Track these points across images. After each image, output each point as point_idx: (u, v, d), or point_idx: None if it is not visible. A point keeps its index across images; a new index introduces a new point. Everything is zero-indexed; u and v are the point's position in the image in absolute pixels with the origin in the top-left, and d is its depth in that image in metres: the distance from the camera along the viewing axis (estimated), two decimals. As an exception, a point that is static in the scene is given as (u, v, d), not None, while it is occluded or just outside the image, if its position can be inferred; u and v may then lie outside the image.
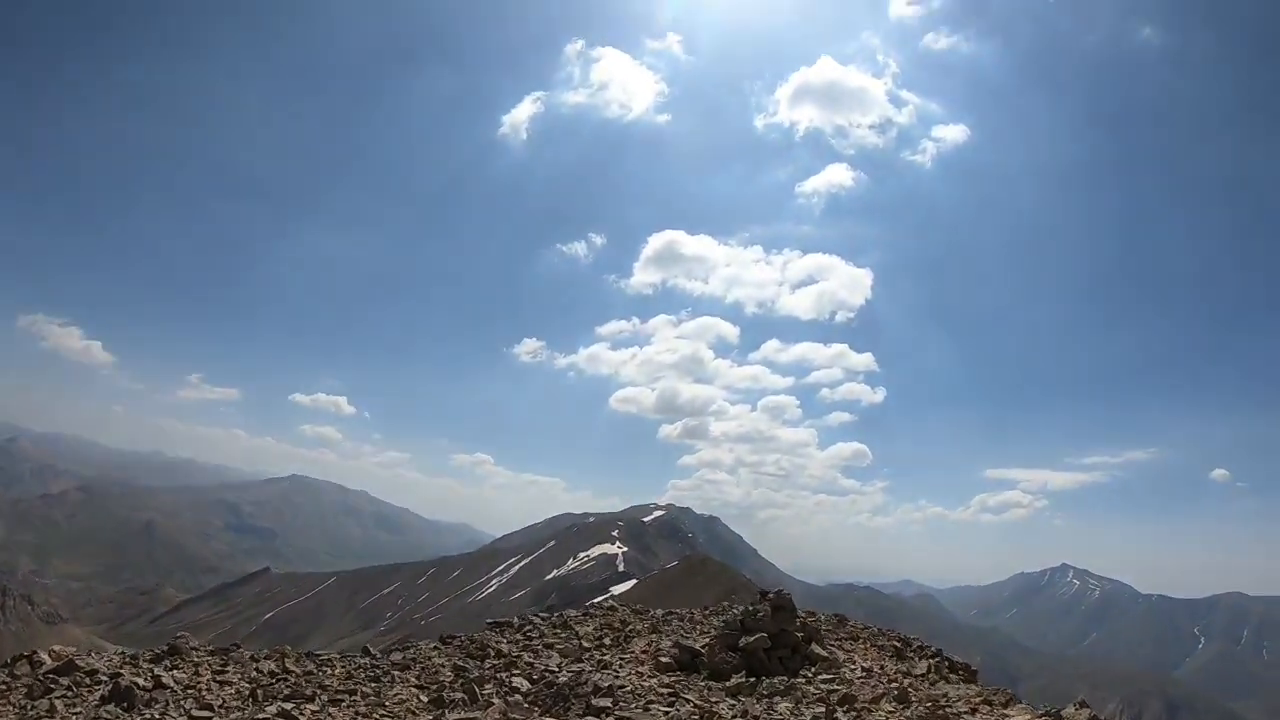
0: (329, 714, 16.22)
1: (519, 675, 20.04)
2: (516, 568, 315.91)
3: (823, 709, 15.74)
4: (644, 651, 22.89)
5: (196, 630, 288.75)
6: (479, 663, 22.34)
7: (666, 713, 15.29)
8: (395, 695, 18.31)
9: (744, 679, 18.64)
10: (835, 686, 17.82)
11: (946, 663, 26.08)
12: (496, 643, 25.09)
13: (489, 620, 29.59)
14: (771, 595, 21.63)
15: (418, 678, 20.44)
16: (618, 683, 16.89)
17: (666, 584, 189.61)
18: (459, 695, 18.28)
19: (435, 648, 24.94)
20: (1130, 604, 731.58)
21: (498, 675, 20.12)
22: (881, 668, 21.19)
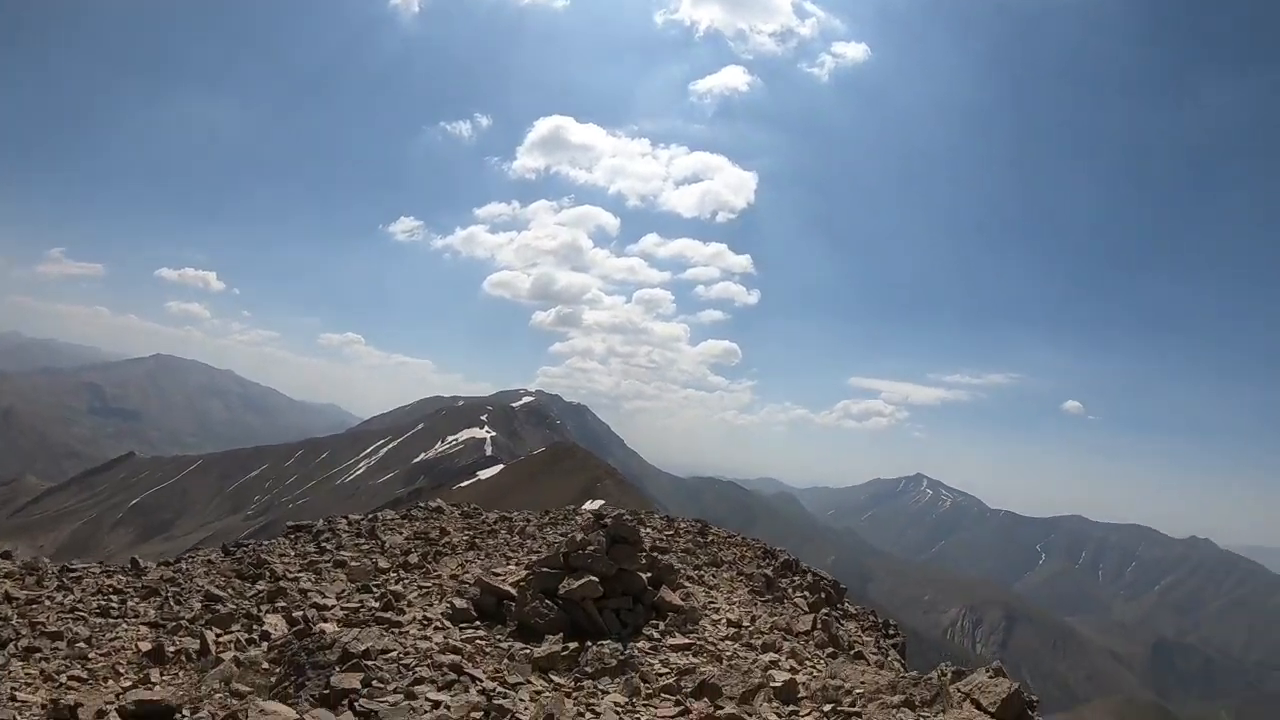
0: (8, 671, 11.75)
1: (279, 612, 15.00)
2: (385, 450, 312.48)
3: (672, 707, 11.09)
4: (451, 577, 17.80)
5: (59, 520, 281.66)
6: (250, 584, 17.74)
7: (435, 706, 10.11)
8: (112, 640, 13.64)
9: (561, 644, 12.89)
10: (691, 660, 12.97)
11: (831, 606, 22.09)
12: (280, 557, 19.99)
13: (290, 523, 24.68)
14: (609, 519, 15.36)
15: (159, 609, 15.66)
16: (380, 645, 11.57)
17: (532, 470, 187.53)
18: (189, 642, 13.44)
19: (209, 562, 19.85)
20: (979, 518, 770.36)
21: (253, 612, 15.07)
22: (753, 619, 16.37)
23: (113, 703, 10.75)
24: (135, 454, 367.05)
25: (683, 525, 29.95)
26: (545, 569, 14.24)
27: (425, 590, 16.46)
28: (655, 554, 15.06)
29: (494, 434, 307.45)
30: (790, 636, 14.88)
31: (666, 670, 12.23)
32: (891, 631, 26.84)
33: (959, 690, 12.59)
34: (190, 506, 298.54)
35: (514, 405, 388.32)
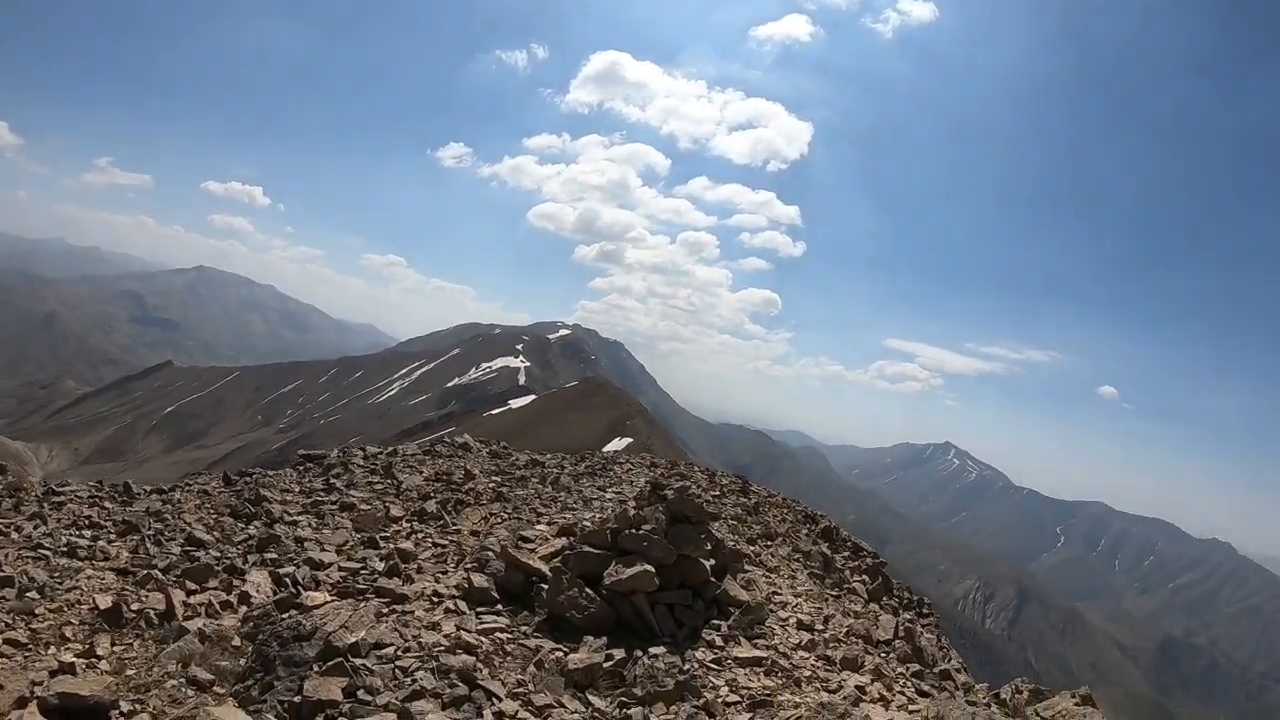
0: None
1: (267, 567, 12.65)
2: (419, 373, 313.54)
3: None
4: (472, 534, 15.29)
5: (94, 425, 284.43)
6: (243, 525, 15.42)
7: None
8: (70, 591, 11.31)
9: (603, 651, 9.74)
10: (765, 684, 9.73)
11: (889, 594, 19.71)
12: (283, 493, 17.72)
13: (300, 452, 22.50)
14: (670, 490, 12.16)
15: (133, 552, 13.27)
16: (373, 637, 8.93)
17: (564, 402, 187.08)
18: (155, 599, 11.11)
19: (204, 493, 17.71)
20: (1002, 492, 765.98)
21: (237, 565, 12.77)
22: (825, 620, 13.51)
23: (38, 686, 8.37)
24: (173, 363, 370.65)
25: (725, 482, 27.45)
26: (588, 547, 11.25)
27: (440, 551, 13.86)
28: (718, 537, 12.26)
29: (528, 364, 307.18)
30: (871, 648, 12.23)
31: (737, 699, 9.10)
32: (925, 611, 25.13)
33: (1039, 715, 10.84)
34: (224, 417, 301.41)
35: (550, 337, 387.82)
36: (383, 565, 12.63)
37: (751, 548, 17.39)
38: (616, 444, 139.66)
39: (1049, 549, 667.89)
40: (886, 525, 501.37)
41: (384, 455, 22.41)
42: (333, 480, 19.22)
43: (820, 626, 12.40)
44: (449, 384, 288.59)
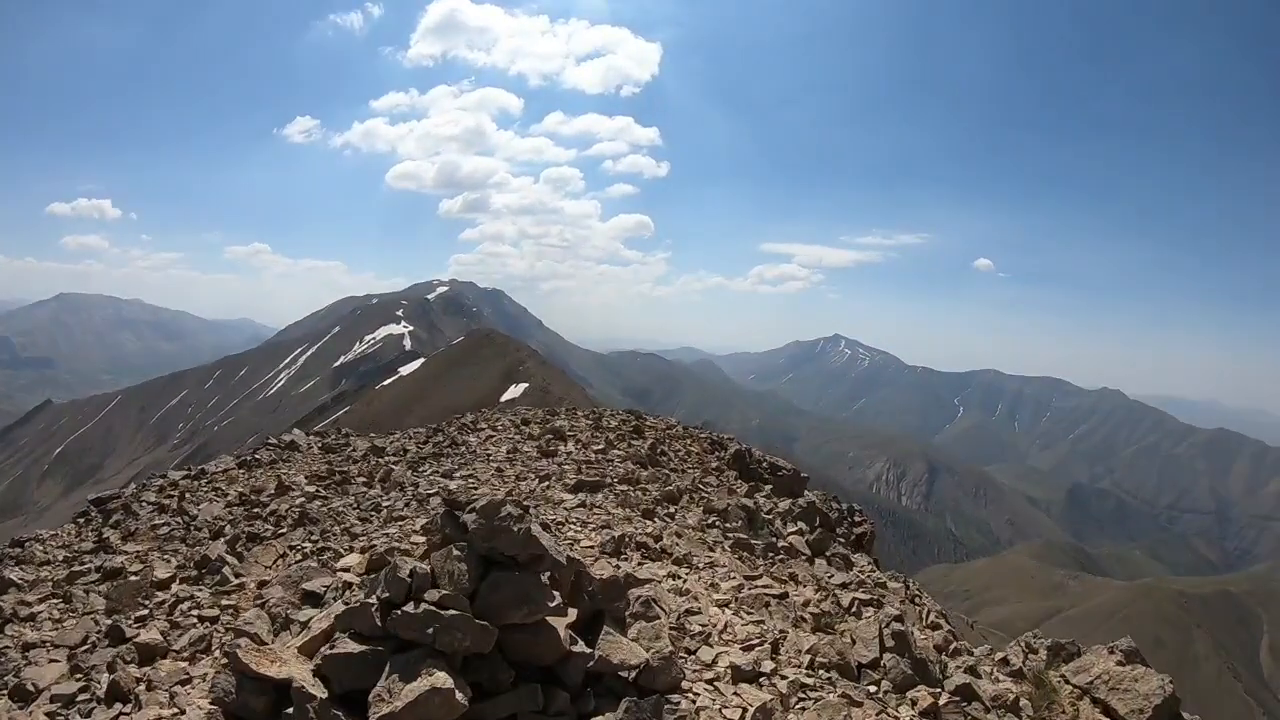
0: None
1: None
2: (304, 358, 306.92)
3: None
4: (259, 587, 10.66)
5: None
6: None
7: None
8: None
9: None
10: None
11: (828, 529, 15.96)
12: (40, 567, 13.59)
13: (90, 497, 17.92)
14: (474, 520, 6.66)
15: None
16: None
17: (453, 360, 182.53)
18: None
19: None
20: (897, 374, 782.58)
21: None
22: (775, 643, 8.72)
23: None
24: (52, 401, 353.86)
25: (614, 424, 23.17)
26: (354, 636, 6.29)
27: (203, 634, 9.41)
28: (575, 564, 7.38)
29: (412, 328, 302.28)
30: (854, 685, 7.77)
31: None
32: (857, 519, 21.01)
33: (1068, 682, 8.09)
34: (116, 445, 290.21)
35: (429, 297, 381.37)
36: (107, 685, 8.15)
37: (649, 526, 12.86)
38: (513, 391, 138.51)
39: (950, 420, 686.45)
40: (790, 423, 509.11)
41: (185, 480, 17.69)
42: (106, 533, 14.58)
43: (769, 664, 7.93)
44: (336, 363, 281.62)
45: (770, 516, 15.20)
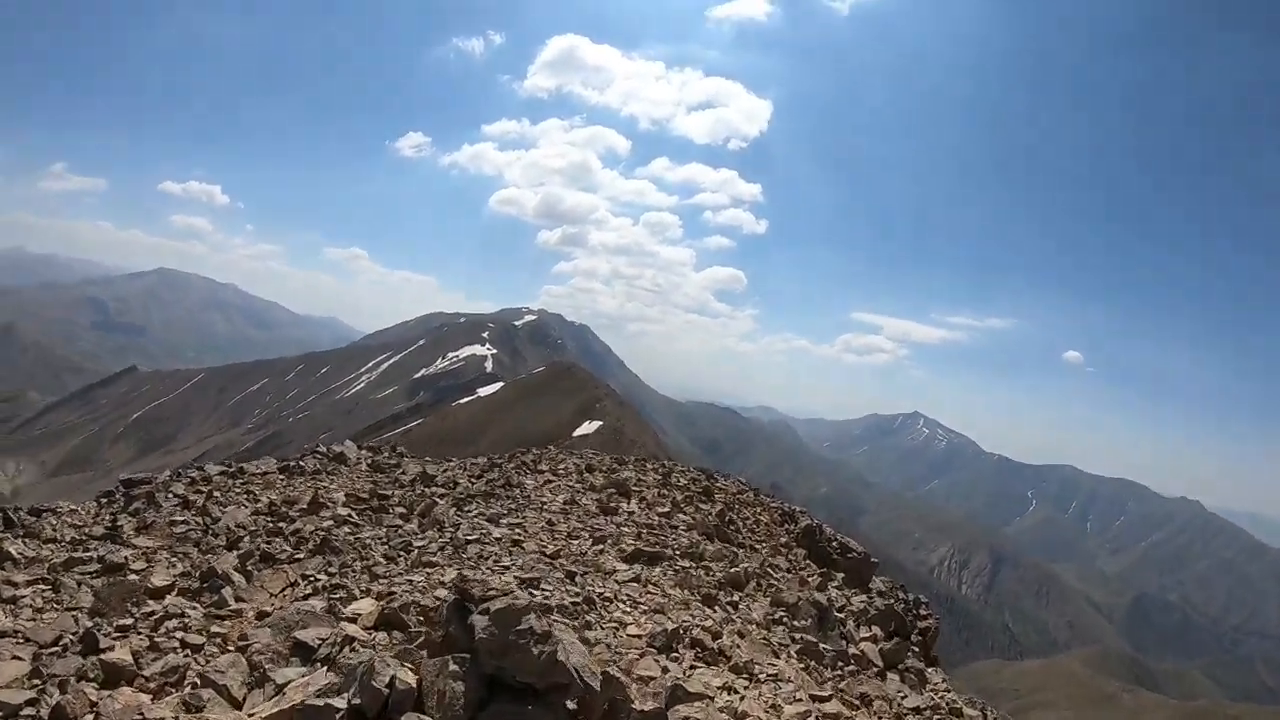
0: None
1: None
2: (385, 365, 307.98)
3: None
4: (258, 618, 9.24)
5: (60, 436, 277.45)
6: None
7: None
8: None
9: None
10: None
11: (903, 636, 14.65)
12: (41, 544, 12.45)
13: (123, 477, 16.81)
14: (486, 618, 5.30)
15: None
16: None
17: (531, 388, 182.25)
18: None
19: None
20: (972, 459, 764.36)
21: None
22: None
23: None
24: (137, 368, 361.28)
25: (684, 481, 21.48)
26: None
27: (181, 659, 7.98)
28: (618, 686, 5.63)
29: (495, 351, 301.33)
30: None
31: None
32: (923, 613, 19.21)
33: None
34: (190, 420, 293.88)
35: (516, 323, 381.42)
36: (53, 704, 6.89)
37: (709, 616, 11.14)
38: (586, 427, 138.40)
39: (1021, 513, 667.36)
40: (859, 495, 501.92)
41: (221, 476, 16.48)
42: (121, 521, 13.40)
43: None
44: (416, 375, 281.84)
45: (843, 615, 13.35)
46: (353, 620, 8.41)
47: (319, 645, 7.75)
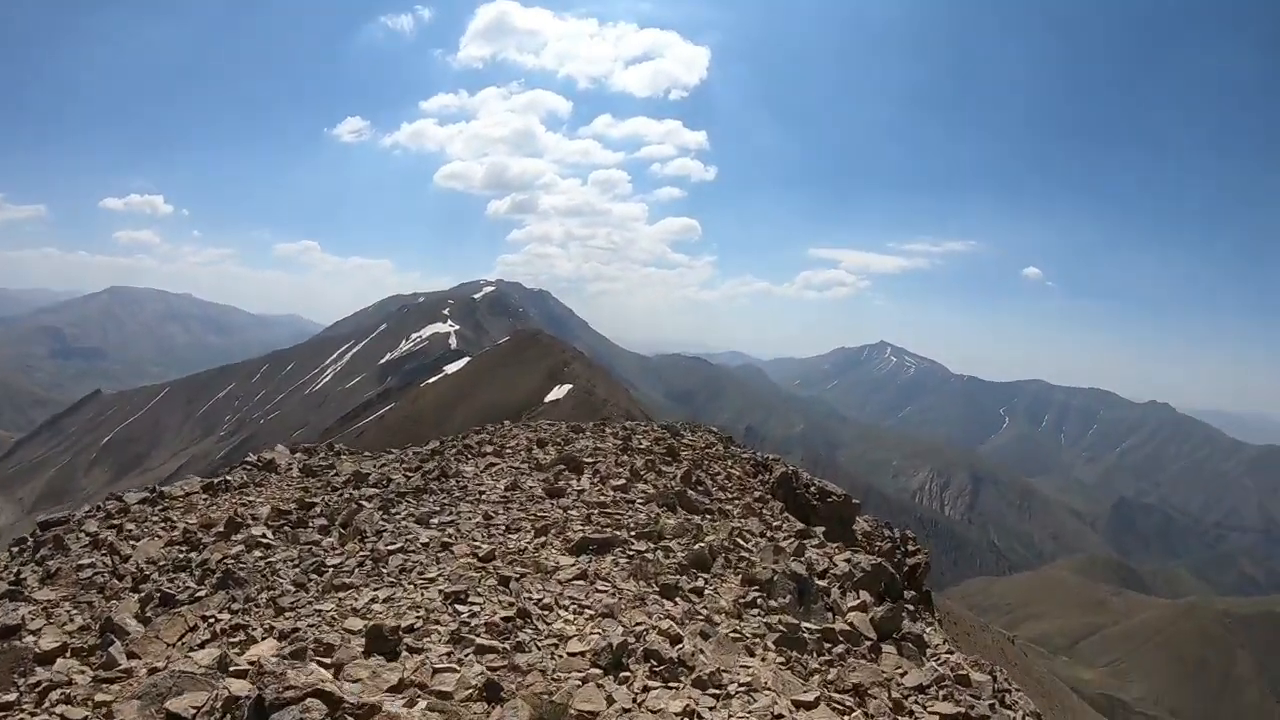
0: None
1: None
2: (350, 355, 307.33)
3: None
4: (150, 672, 8.14)
5: (34, 470, 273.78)
6: None
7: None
8: None
9: None
10: None
11: (896, 597, 13.55)
12: None
13: (40, 519, 15.52)
14: None
15: None
16: None
17: (498, 359, 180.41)
18: None
19: None
20: (942, 383, 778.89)
21: None
22: None
23: None
24: (101, 391, 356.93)
25: (646, 443, 20.37)
26: None
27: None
28: None
29: (457, 327, 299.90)
30: None
31: None
32: (910, 549, 20.61)
33: None
34: (163, 436, 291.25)
35: (475, 297, 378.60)
36: None
37: (667, 612, 9.58)
38: (557, 393, 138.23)
39: (995, 431, 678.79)
40: (835, 430, 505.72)
41: (139, 505, 15.16)
42: (24, 574, 12.14)
43: None
44: (382, 361, 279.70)
45: (825, 583, 11.84)
46: (241, 675, 7.17)
47: (193, 716, 6.56)
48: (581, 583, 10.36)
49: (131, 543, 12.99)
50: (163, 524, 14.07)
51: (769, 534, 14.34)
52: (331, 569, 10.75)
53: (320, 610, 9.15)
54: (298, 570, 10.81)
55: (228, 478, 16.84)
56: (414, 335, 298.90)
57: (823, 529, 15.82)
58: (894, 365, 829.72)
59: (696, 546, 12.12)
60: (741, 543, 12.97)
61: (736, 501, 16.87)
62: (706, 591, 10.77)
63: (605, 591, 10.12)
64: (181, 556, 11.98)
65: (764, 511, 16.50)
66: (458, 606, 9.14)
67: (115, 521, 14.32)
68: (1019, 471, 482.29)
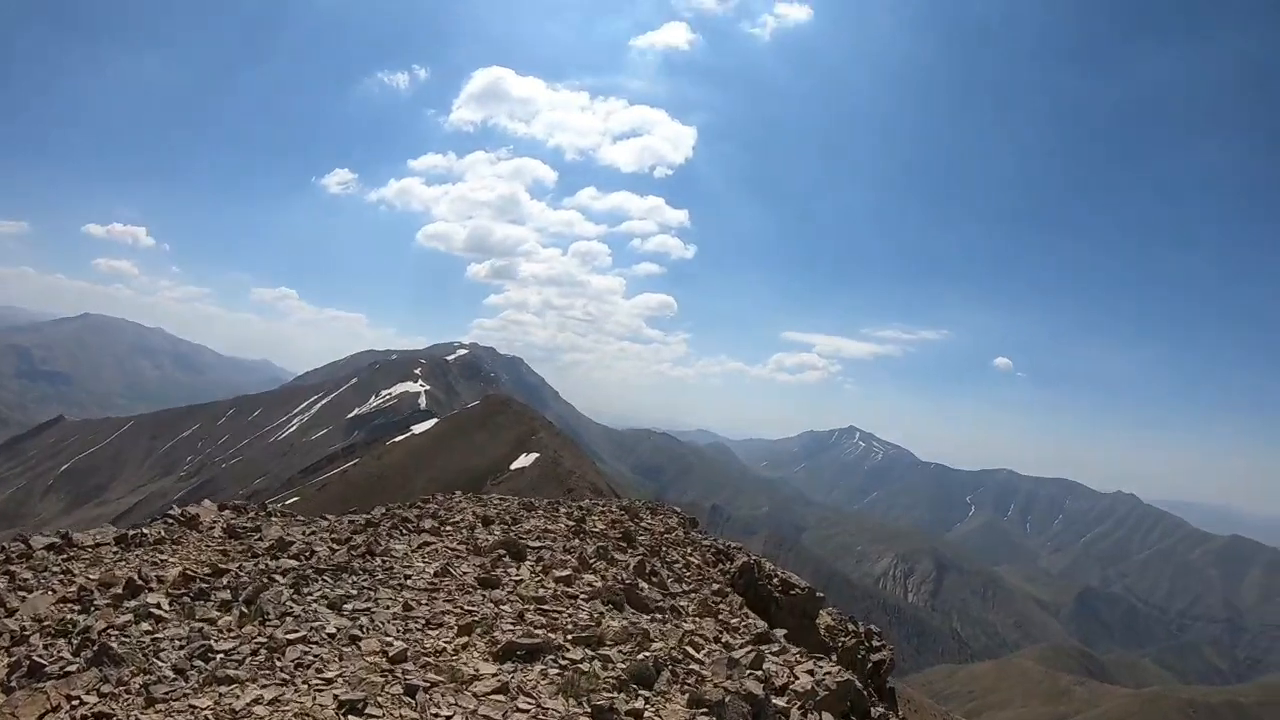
0: None
1: None
2: (318, 406, 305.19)
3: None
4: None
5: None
6: None
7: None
8: None
9: None
10: None
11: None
12: None
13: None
14: None
15: None
16: None
17: (466, 423, 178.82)
18: None
19: None
20: (910, 469, 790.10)
21: None
22: None
23: None
24: (64, 417, 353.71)
25: (601, 526, 19.17)
26: None
27: None
28: None
29: (428, 388, 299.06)
30: None
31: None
32: (875, 644, 20.56)
33: None
34: (123, 470, 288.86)
35: (448, 359, 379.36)
36: None
37: None
38: (523, 460, 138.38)
39: (961, 519, 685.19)
40: (800, 513, 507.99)
41: (45, 550, 13.98)
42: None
43: None
44: (350, 415, 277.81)
45: (785, 703, 10.35)
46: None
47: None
48: (500, 698, 8.77)
49: (22, 594, 11.73)
50: (61, 576, 12.75)
51: (725, 637, 12.88)
52: (220, 655, 9.19)
53: (195, 706, 7.75)
54: (182, 654, 9.07)
55: (144, 531, 15.64)
56: (384, 392, 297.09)
57: (784, 632, 14.43)
58: (862, 450, 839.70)
59: (640, 656, 10.47)
60: (692, 652, 11.42)
61: (693, 595, 15.58)
62: (646, 715, 9.11)
63: (527, 712, 8.55)
64: (68, 619, 10.73)
65: (722, 608, 15.17)
66: (351, 719, 7.90)
67: (12, 567, 13.08)
68: (984, 560, 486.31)
